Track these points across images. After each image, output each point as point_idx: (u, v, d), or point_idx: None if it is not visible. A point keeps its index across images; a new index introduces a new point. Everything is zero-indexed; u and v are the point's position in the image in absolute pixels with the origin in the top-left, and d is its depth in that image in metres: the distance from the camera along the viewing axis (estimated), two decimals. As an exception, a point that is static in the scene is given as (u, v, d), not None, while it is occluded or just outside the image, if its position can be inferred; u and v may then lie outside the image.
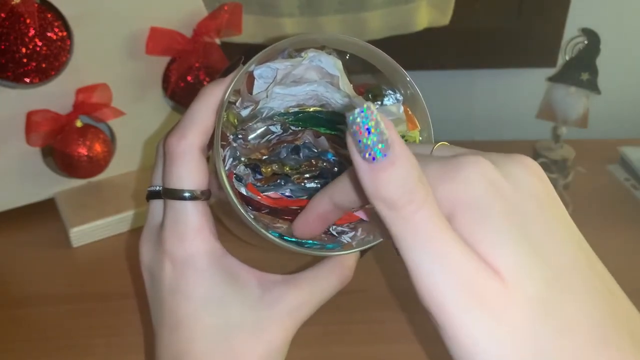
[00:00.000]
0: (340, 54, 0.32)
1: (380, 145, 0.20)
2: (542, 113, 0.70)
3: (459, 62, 0.82)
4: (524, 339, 0.20)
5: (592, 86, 0.66)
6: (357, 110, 0.19)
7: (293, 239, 0.30)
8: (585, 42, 0.66)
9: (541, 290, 0.20)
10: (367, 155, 0.20)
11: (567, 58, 0.67)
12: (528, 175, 0.23)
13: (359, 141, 0.20)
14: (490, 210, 0.21)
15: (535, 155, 0.69)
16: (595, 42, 0.66)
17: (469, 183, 0.22)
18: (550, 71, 0.71)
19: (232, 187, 0.29)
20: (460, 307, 0.20)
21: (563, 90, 0.68)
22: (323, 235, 0.31)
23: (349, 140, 0.20)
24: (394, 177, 0.20)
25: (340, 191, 0.26)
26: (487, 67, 0.83)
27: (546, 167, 0.68)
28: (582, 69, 0.66)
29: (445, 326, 0.21)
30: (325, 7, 0.73)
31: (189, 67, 0.64)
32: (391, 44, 0.74)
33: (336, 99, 0.32)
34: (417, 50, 0.78)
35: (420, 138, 0.33)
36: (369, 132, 0.20)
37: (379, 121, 0.20)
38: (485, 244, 0.21)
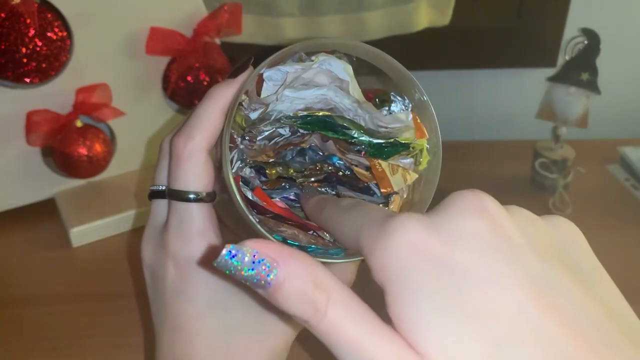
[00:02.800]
0: (351, 58, 0.32)
1: (262, 275, 0.19)
2: (542, 113, 0.70)
3: (459, 62, 0.82)
4: None
5: (592, 86, 0.66)
6: (219, 259, 0.19)
7: (296, 244, 0.30)
8: (585, 42, 0.66)
9: None
10: (256, 287, 0.20)
11: (567, 58, 0.67)
12: (466, 219, 0.20)
13: (242, 279, 0.20)
14: (415, 282, 0.19)
15: (535, 155, 0.69)
16: (595, 42, 0.66)
17: (394, 252, 0.19)
18: (550, 71, 0.71)
19: (239, 190, 0.29)
20: None
21: (563, 90, 0.68)
22: (327, 241, 0.31)
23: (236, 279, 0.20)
24: (288, 296, 0.19)
25: None
26: (487, 67, 0.83)
27: (546, 167, 0.68)
28: (582, 69, 0.66)
29: None
30: (325, 7, 0.73)
31: (189, 67, 0.64)
32: (391, 44, 0.74)
33: (345, 104, 0.32)
34: (417, 50, 0.78)
35: (428, 146, 0.33)
36: (243, 270, 0.19)
37: (244, 257, 0.19)
38: (409, 324, 0.19)
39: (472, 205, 0.20)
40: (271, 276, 0.19)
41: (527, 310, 0.18)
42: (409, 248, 0.19)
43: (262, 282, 0.19)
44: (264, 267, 0.19)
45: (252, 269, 0.19)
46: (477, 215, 0.20)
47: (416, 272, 0.19)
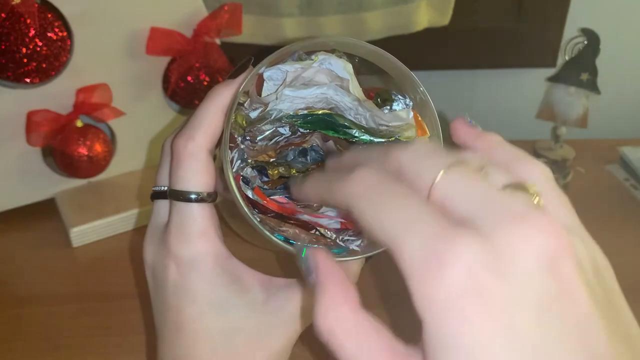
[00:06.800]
0: (351, 57, 0.32)
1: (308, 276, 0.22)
2: (542, 113, 0.71)
3: (459, 62, 0.82)
4: None
5: (592, 86, 0.66)
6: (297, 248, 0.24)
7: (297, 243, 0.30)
8: (585, 42, 0.66)
9: None
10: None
11: (567, 58, 0.67)
12: (534, 274, 0.18)
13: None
14: (465, 322, 0.17)
15: (535, 155, 0.69)
16: (595, 42, 0.66)
17: (447, 287, 0.18)
18: (550, 71, 0.71)
19: (240, 190, 0.29)
20: None
21: (563, 90, 0.68)
22: (329, 240, 0.31)
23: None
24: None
25: None
26: (487, 67, 0.83)
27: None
28: (582, 69, 0.66)
29: None
30: (325, 7, 0.73)
31: (189, 67, 0.64)
32: (391, 44, 0.74)
33: (346, 103, 0.32)
34: (417, 50, 0.78)
35: None
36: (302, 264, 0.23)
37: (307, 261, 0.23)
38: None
39: (543, 258, 0.18)
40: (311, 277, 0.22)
41: None
42: (466, 285, 0.17)
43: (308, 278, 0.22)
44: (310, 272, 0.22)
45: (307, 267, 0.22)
46: (547, 275, 0.18)
47: (469, 310, 0.17)
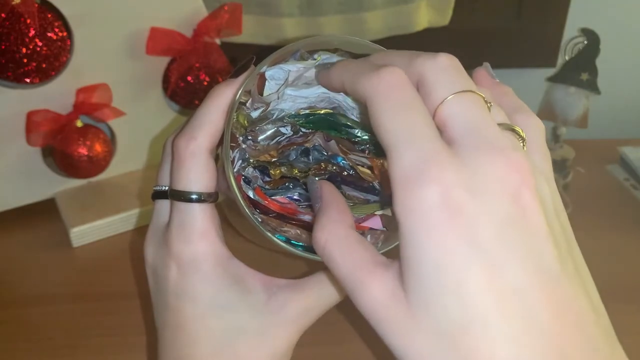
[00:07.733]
0: (354, 56, 0.32)
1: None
2: (542, 113, 0.70)
3: (458, 62, 0.82)
4: None
5: (592, 86, 0.66)
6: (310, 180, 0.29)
7: (299, 244, 0.30)
8: (585, 42, 0.66)
9: (451, 325, 0.20)
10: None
11: (567, 58, 0.67)
12: (500, 199, 0.21)
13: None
14: (434, 231, 0.20)
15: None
16: (595, 42, 0.66)
17: (424, 200, 0.20)
18: (550, 71, 0.71)
19: (240, 190, 0.29)
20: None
21: (563, 90, 0.68)
22: None
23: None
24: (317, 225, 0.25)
25: None
26: (487, 67, 0.83)
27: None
28: (582, 69, 0.66)
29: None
30: (325, 7, 0.73)
31: (189, 67, 0.64)
32: (391, 44, 0.74)
33: (348, 102, 0.31)
34: (417, 50, 0.78)
35: None
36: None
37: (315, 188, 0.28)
38: (414, 260, 0.21)
39: (510, 185, 0.21)
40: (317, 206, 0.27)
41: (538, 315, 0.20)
42: (440, 201, 0.20)
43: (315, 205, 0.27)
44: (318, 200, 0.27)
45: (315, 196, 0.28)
46: (511, 199, 0.21)
47: (439, 222, 0.20)
